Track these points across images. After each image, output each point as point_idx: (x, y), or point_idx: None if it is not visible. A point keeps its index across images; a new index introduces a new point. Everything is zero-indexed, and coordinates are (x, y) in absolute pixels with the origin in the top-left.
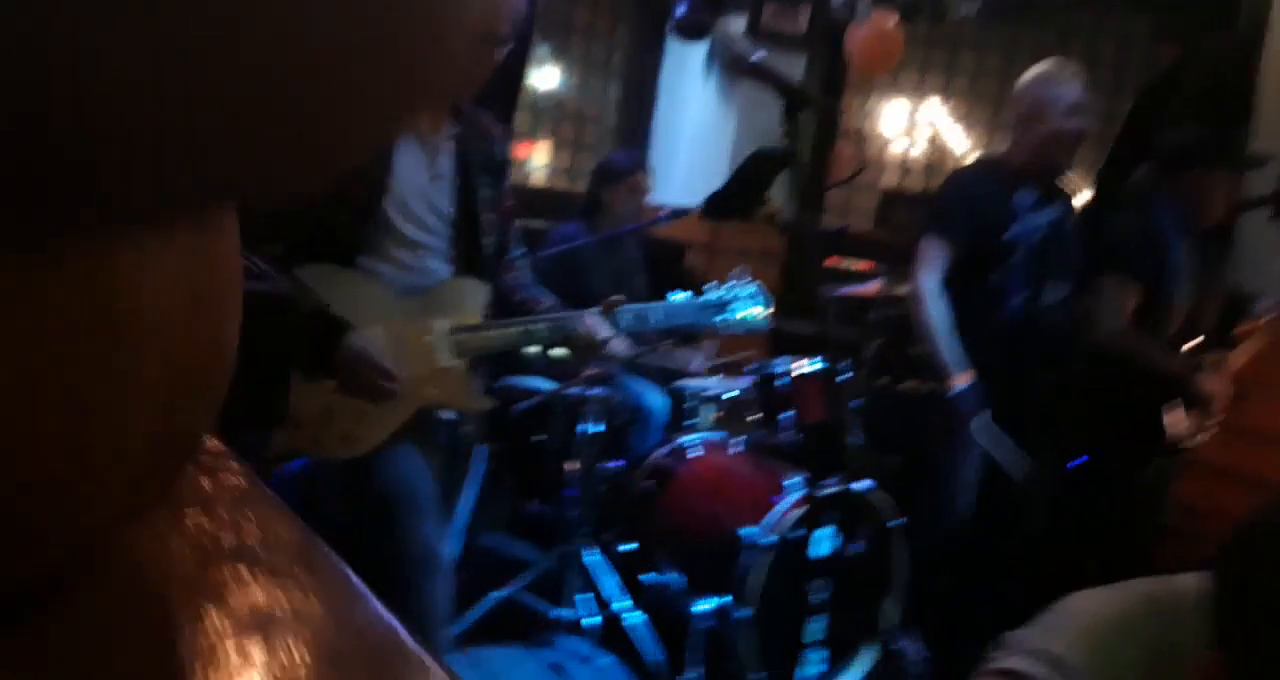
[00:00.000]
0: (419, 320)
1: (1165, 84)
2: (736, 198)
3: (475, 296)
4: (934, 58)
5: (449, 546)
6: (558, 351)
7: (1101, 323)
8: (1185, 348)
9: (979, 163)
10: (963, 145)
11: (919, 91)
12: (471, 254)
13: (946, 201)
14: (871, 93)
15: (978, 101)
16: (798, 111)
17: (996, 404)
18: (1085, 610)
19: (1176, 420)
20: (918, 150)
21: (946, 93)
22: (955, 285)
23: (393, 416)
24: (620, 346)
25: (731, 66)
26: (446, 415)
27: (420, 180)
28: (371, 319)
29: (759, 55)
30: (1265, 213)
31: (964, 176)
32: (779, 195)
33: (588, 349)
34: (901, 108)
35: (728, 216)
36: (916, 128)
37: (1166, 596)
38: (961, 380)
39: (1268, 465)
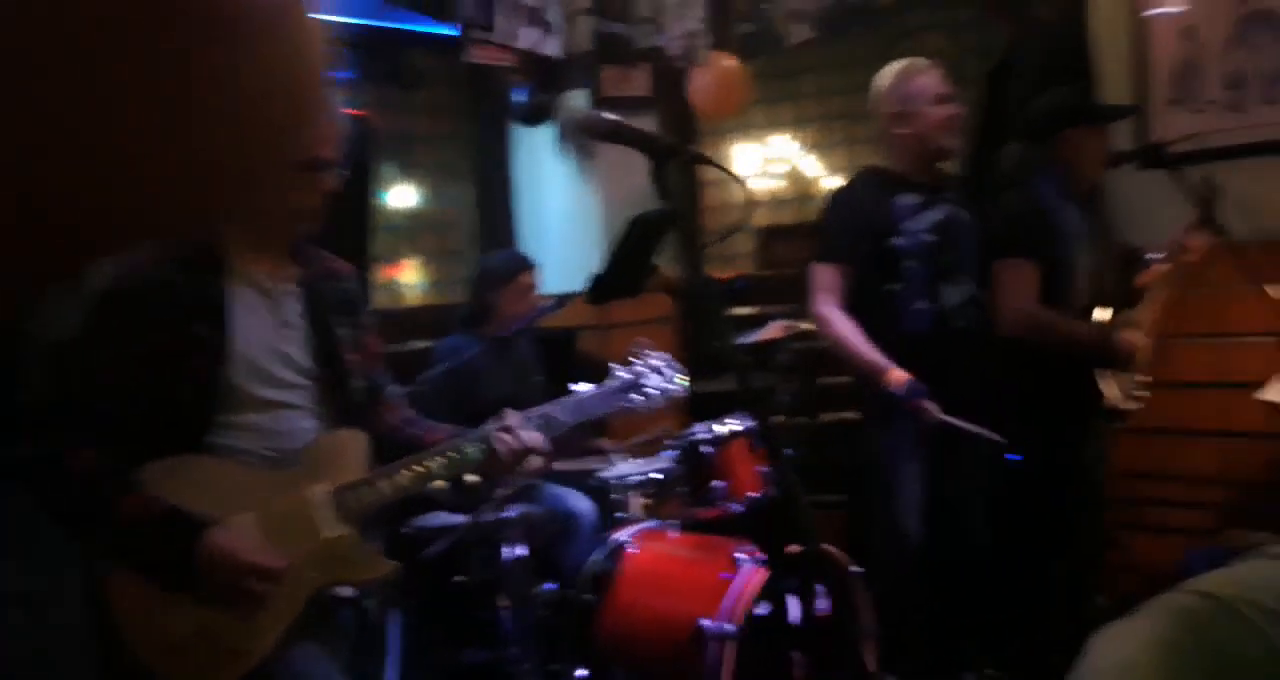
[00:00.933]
0: (292, 492)
1: (1007, 64)
2: (623, 273)
3: (354, 449)
4: (778, 89)
5: None
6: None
7: (1005, 311)
8: (1096, 314)
9: (858, 175)
10: (822, 171)
11: (772, 126)
12: (339, 403)
13: (827, 224)
14: (725, 137)
15: (830, 123)
16: (664, 166)
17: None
18: (1124, 658)
19: (1108, 388)
20: (780, 184)
21: (798, 122)
22: (854, 304)
23: (280, 614)
24: (543, 443)
25: (586, 132)
26: (345, 591)
27: (266, 334)
28: (236, 505)
29: (611, 117)
30: (1132, 167)
31: (843, 193)
32: (661, 259)
33: (510, 460)
34: (757, 146)
35: (618, 296)
36: (774, 163)
37: (1199, 606)
38: (898, 376)
39: (1192, 414)
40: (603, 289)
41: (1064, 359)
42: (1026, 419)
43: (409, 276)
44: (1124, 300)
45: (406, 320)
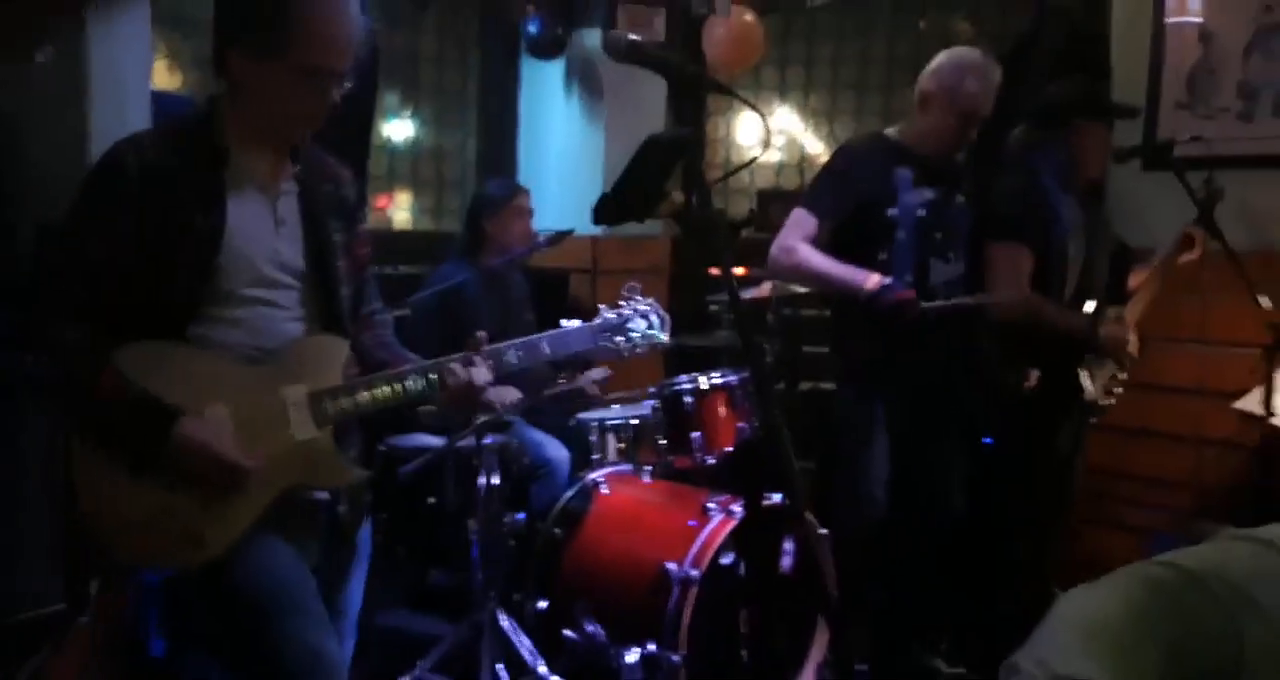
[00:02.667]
0: (269, 390)
1: (1025, 47)
2: (634, 193)
3: (334, 355)
4: (791, 51)
5: (343, 641)
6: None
7: (997, 294)
8: (1084, 307)
9: (866, 138)
10: (826, 139)
11: (780, 88)
12: (326, 308)
13: (824, 177)
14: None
15: (840, 91)
16: (687, 93)
17: (900, 386)
18: (1092, 615)
19: (1086, 382)
20: (782, 154)
21: (808, 86)
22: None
23: (247, 507)
24: (505, 393)
25: (612, 52)
26: (318, 495)
27: (261, 230)
28: (212, 396)
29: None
30: (1135, 166)
31: (847, 152)
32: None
33: (462, 400)
34: (763, 106)
35: (627, 217)
36: (779, 131)
37: (1170, 577)
38: (874, 281)
39: (1166, 417)
40: (611, 208)
41: (1049, 347)
42: (1005, 403)
43: (401, 201)
44: (1112, 297)
45: (395, 243)
